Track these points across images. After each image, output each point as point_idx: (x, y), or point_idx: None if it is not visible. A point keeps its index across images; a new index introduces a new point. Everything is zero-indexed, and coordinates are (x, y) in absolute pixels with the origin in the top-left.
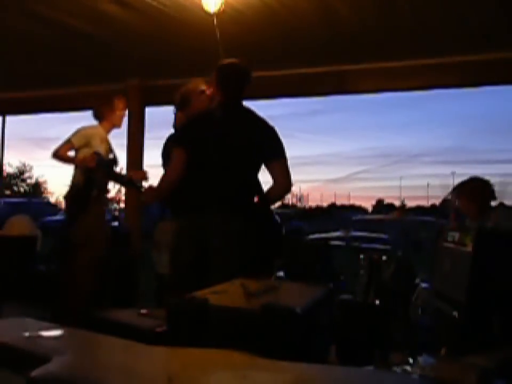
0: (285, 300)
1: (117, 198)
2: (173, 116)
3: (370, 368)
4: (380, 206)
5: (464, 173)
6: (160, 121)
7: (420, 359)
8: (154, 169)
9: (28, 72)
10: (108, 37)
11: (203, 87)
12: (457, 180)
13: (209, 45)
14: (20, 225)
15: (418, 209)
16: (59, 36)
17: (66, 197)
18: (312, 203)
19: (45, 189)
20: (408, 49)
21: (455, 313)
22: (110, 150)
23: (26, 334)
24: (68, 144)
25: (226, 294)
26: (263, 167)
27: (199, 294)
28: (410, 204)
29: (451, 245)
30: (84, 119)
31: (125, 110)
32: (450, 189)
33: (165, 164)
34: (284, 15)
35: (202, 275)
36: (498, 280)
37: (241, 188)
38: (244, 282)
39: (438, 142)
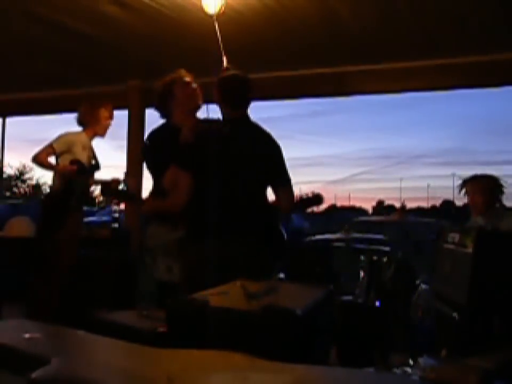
0: (286, 301)
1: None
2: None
3: (371, 369)
4: (380, 207)
5: (464, 174)
6: (160, 123)
7: (421, 360)
8: None
9: (28, 74)
10: (108, 39)
11: (188, 78)
12: (458, 182)
13: (209, 46)
14: (19, 226)
15: (419, 211)
16: (59, 37)
17: (44, 204)
18: None
19: (45, 190)
20: (408, 51)
21: (456, 315)
22: (93, 156)
23: (26, 335)
24: (49, 148)
25: (226, 295)
26: None
27: (199, 295)
28: (410, 205)
29: (451, 246)
30: None
31: (110, 120)
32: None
33: (155, 170)
34: (284, 17)
35: None
36: (498, 281)
37: (256, 209)
38: (244, 284)
39: (438, 143)
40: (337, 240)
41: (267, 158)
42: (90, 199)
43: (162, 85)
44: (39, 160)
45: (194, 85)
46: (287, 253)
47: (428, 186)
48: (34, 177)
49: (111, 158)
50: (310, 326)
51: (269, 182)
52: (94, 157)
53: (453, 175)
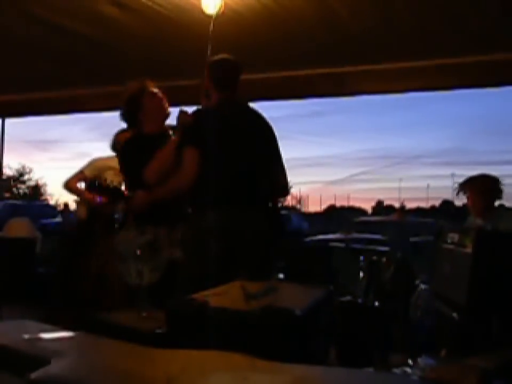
0: (285, 301)
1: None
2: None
3: (370, 369)
4: (380, 207)
5: (463, 174)
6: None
7: (420, 360)
8: None
9: (27, 75)
10: (108, 40)
11: (154, 89)
12: (457, 182)
13: (208, 47)
14: (19, 227)
15: (418, 211)
16: (58, 38)
17: (69, 233)
18: (311, 205)
19: (45, 191)
20: (408, 51)
21: (455, 315)
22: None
23: (26, 336)
24: (80, 175)
25: (226, 295)
26: None
27: (199, 295)
28: (410, 205)
29: (451, 246)
30: (83, 121)
31: None
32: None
33: (130, 176)
34: (283, 17)
35: (226, 269)
36: (498, 281)
37: (261, 181)
38: (244, 284)
39: (437, 144)
40: (337, 240)
41: (263, 134)
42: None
43: (129, 96)
44: (70, 186)
45: (160, 95)
46: (286, 254)
47: (427, 186)
48: (33, 178)
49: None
50: (310, 326)
51: (268, 159)
52: None
53: (453, 175)
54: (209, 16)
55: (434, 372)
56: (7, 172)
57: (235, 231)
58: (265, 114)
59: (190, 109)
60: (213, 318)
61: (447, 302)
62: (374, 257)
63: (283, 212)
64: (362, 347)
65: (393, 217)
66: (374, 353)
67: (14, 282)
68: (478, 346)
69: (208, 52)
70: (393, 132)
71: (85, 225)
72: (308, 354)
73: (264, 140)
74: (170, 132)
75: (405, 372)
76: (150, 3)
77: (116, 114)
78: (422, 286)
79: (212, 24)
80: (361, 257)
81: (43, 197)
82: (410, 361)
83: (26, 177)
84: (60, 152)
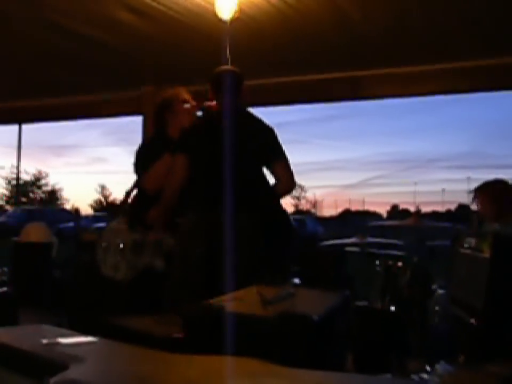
0: (302, 307)
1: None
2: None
3: (388, 376)
4: (395, 211)
5: (479, 178)
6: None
7: (438, 367)
8: None
9: (44, 80)
10: (122, 45)
11: (186, 96)
12: (473, 186)
13: (223, 52)
14: (36, 232)
15: (434, 215)
16: (75, 44)
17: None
18: (326, 209)
19: (61, 196)
20: (422, 54)
21: (473, 320)
22: None
23: (44, 341)
24: None
25: (242, 301)
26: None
27: (215, 301)
28: (425, 209)
29: (468, 251)
30: (98, 126)
31: None
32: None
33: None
34: (298, 21)
35: (211, 271)
36: None
37: (247, 187)
38: (260, 290)
39: (453, 147)
40: (352, 244)
41: (260, 140)
42: None
43: (162, 98)
44: None
45: (192, 104)
46: (302, 259)
47: (443, 190)
48: (49, 183)
49: (126, 163)
50: (326, 332)
51: (264, 161)
52: None
53: (468, 178)
54: (224, 22)
55: (452, 378)
56: (24, 176)
57: (217, 235)
58: (281, 118)
59: None
60: (230, 323)
61: (464, 307)
62: (390, 262)
63: (298, 216)
64: (379, 353)
65: (409, 221)
66: (391, 359)
67: (31, 287)
68: (496, 352)
69: (228, 58)
70: (408, 135)
71: None
72: (324, 360)
73: (257, 144)
74: None
75: (423, 378)
76: (165, 9)
77: (131, 119)
78: (439, 291)
79: (227, 32)
80: (377, 262)
81: (59, 202)
82: (428, 368)
83: (42, 182)
84: (76, 157)
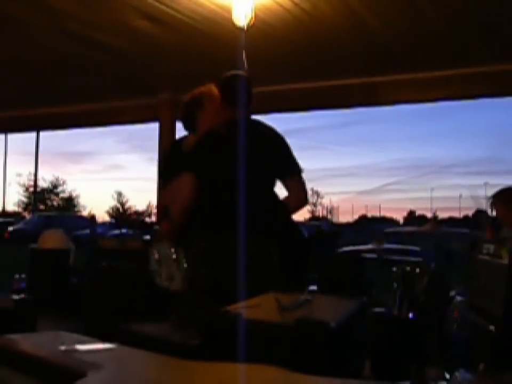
0: (319, 314)
1: (149, 211)
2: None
3: (407, 383)
4: (412, 217)
5: (497, 183)
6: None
7: (458, 374)
8: None
9: (61, 88)
10: (139, 53)
11: (217, 92)
12: (490, 191)
13: (240, 59)
14: (53, 238)
15: (451, 221)
16: (92, 52)
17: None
18: (343, 215)
19: (78, 202)
20: (439, 60)
21: (492, 327)
22: None
23: (62, 347)
24: None
25: (259, 308)
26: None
27: (232, 308)
28: (442, 215)
29: (486, 257)
30: (114, 133)
31: None
32: (483, 200)
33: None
34: (314, 28)
35: (220, 297)
36: None
37: (258, 206)
38: (277, 297)
39: (469, 152)
40: (369, 251)
41: (272, 152)
42: None
43: (191, 96)
44: None
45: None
46: (318, 265)
47: (460, 196)
48: (66, 190)
49: (142, 170)
50: (344, 339)
51: (277, 176)
52: None
53: (485, 184)
54: (240, 28)
55: None
56: (42, 183)
57: (225, 257)
58: (297, 124)
59: None
60: (247, 330)
61: (483, 314)
62: (407, 268)
63: (314, 223)
64: (397, 360)
65: (427, 227)
66: (410, 366)
67: (49, 293)
68: None
69: (245, 64)
70: (425, 141)
71: None
72: (342, 367)
73: (268, 156)
74: None
75: None
76: (181, 16)
77: (147, 126)
78: (458, 298)
79: (244, 39)
80: (394, 268)
81: (76, 209)
82: (447, 375)
83: (59, 189)
84: (92, 164)
